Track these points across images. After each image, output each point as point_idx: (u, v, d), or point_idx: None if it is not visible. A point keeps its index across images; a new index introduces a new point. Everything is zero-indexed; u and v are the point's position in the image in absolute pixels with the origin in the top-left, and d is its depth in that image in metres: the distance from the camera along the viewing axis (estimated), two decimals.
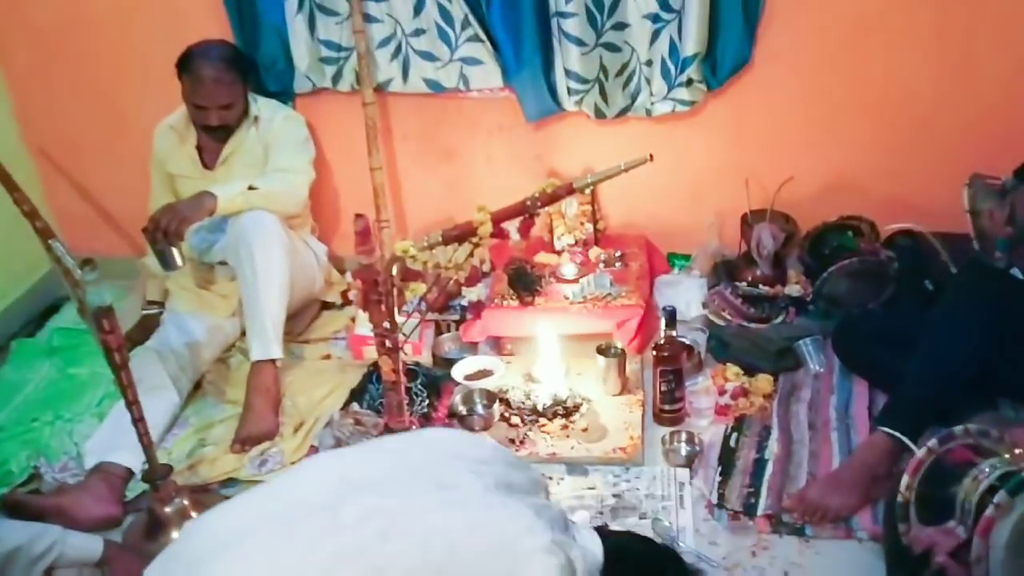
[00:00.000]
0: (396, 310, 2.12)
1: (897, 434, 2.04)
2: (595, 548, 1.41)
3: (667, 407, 2.41)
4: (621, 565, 1.41)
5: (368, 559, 1.23)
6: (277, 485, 1.46)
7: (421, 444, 1.52)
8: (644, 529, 2.00)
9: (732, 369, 2.55)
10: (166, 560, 1.35)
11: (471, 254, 2.02)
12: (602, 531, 1.48)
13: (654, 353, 2.40)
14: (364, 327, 2.58)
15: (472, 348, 2.73)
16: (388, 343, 2.16)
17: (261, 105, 2.79)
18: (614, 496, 2.18)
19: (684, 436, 2.33)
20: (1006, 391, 2.32)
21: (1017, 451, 1.60)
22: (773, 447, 2.32)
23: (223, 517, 1.38)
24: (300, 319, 2.92)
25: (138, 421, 2.07)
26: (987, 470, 1.54)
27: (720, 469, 2.25)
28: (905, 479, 1.69)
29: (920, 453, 1.68)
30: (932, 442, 1.67)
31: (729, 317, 2.73)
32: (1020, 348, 2.10)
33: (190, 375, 2.63)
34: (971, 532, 1.50)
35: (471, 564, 1.25)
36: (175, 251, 2.41)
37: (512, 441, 2.37)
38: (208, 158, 2.79)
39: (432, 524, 1.27)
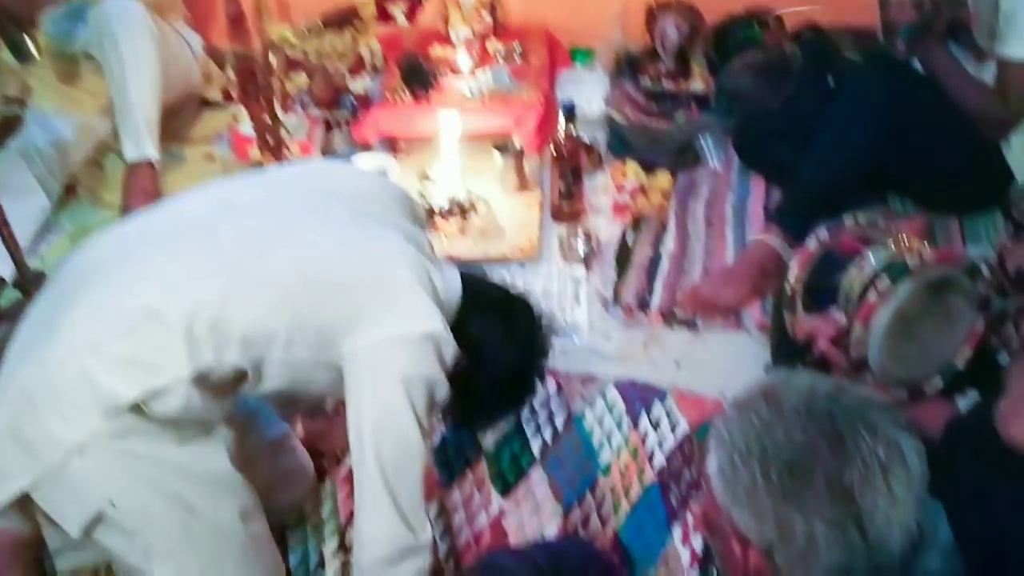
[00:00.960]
0: (278, 104, 1.98)
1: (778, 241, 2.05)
2: (455, 283, 1.46)
3: (565, 205, 2.37)
4: (475, 302, 1.47)
5: (244, 275, 1.28)
6: (160, 209, 1.46)
7: (303, 174, 1.55)
8: None
9: (631, 167, 2.51)
10: (52, 283, 1.37)
11: (355, 40, 1.87)
12: (465, 273, 1.52)
13: (553, 151, 2.33)
14: (247, 125, 2.43)
15: (364, 147, 2.60)
16: (270, 140, 2.03)
17: None
18: None
19: (581, 234, 2.31)
20: (896, 186, 2.34)
21: (903, 242, 1.62)
22: (669, 244, 2.32)
23: (107, 236, 1.40)
24: (178, 117, 2.72)
25: (2, 226, 1.93)
26: (871, 258, 1.55)
27: (616, 266, 2.26)
28: (794, 270, 1.71)
29: (810, 244, 1.68)
30: (822, 233, 1.68)
31: (630, 114, 2.65)
32: (914, 142, 2.10)
33: (59, 177, 2.47)
34: (852, 319, 1.53)
35: (342, 278, 1.31)
36: (28, 40, 2.18)
37: None
38: None
39: (306, 243, 1.33)
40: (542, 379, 1.72)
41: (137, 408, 1.26)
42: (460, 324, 1.43)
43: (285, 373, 1.34)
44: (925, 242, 1.62)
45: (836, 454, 0.83)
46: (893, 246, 1.60)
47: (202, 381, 1.28)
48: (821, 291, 1.68)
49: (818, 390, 0.87)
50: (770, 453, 0.84)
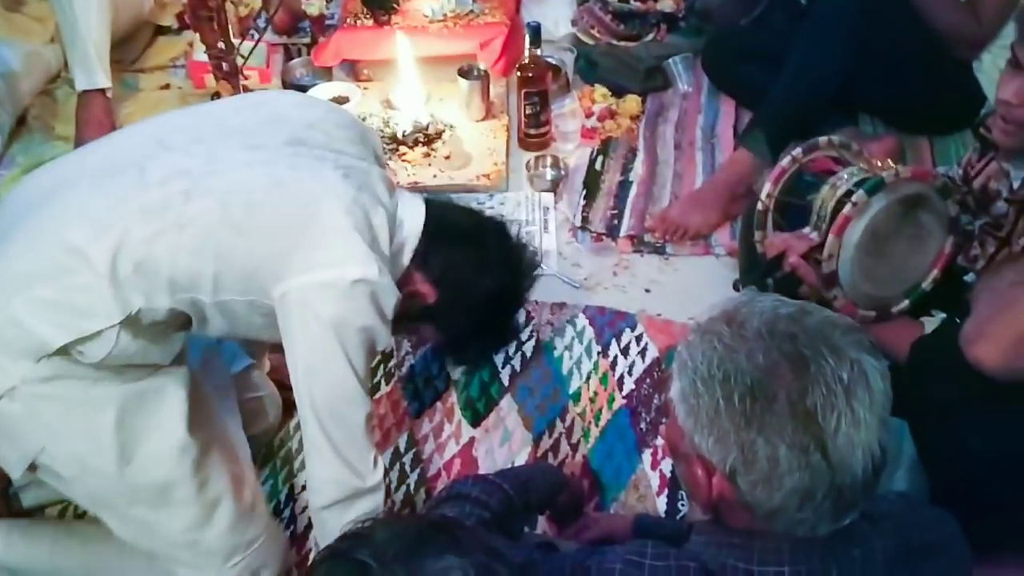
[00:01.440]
0: (231, 28, 1.91)
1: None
2: (415, 214, 1.39)
3: (532, 131, 2.32)
4: (440, 231, 1.40)
5: (169, 217, 1.23)
6: (98, 145, 1.44)
7: (248, 105, 1.48)
8: None
9: (600, 90, 2.47)
10: None
11: None
12: (431, 201, 1.45)
13: (519, 74, 2.28)
14: (203, 53, 2.33)
15: (326, 74, 2.53)
16: (226, 67, 1.96)
17: None
18: None
19: (549, 160, 2.28)
20: (867, 106, 2.32)
21: (875, 161, 1.60)
22: (638, 169, 2.29)
23: (44, 173, 1.38)
24: (131, 45, 2.63)
25: None
26: (845, 177, 1.53)
27: (584, 192, 2.23)
28: (767, 187, 1.68)
29: (784, 161, 1.66)
30: (796, 151, 1.65)
31: (598, 35, 2.60)
32: (885, 62, 2.07)
33: (9, 109, 2.38)
34: (824, 235, 1.52)
35: (268, 220, 1.25)
36: None
37: None
38: None
39: (233, 183, 1.26)
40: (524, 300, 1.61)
41: (69, 352, 1.23)
42: (426, 255, 1.38)
43: (223, 317, 1.30)
44: (898, 165, 1.60)
45: (799, 376, 0.81)
46: (865, 166, 1.58)
47: (135, 325, 1.25)
48: (793, 209, 1.66)
49: (781, 313, 0.85)
50: (732, 376, 0.82)
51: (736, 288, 1.69)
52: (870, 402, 0.82)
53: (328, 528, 1.38)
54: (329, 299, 1.24)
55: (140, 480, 1.32)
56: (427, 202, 1.44)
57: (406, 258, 1.38)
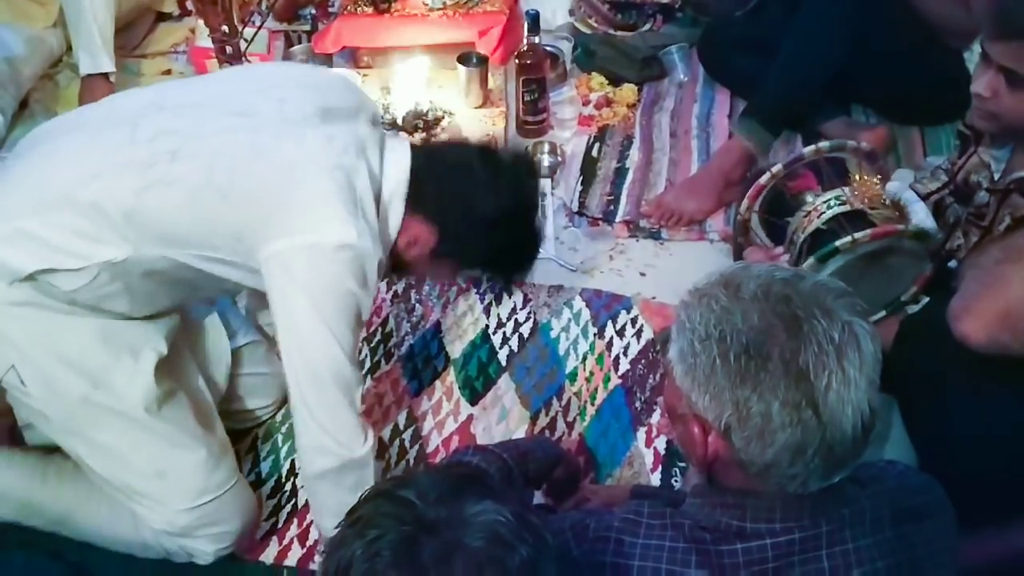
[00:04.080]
0: (234, 12, 1.94)
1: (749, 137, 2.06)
2: (401, 162, 1.41)
3: (530, 118, 2.35)
4: (427, 170, 1.42)
5: (155, 173, 1.27)
6: (102, 102, 1.49)
7: (244, 74, 1.53)
8: None
9: (597, 79, 2.50)
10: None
11: None
12: (417, 146, 1.46)
13: (517, 62, 2.31)
14: (205, 39, 2.36)
15: (326, 60, 2.55)
16: (228, 50, 1.99)
17: None
18: None
19: (547, 147, 2.31)
20: (860, 96, 2.35)
21: (864, 177, 1.62)
22: (634, 156, 2.32)
23: (50, 124, 1.46)
24: (133, 31, 2.66)
25: None
26: (820, 208, 1.56)
27: (581, 179, 2.26)
28: (745, 202, 1.71)
29: (762, 179, 1.68)
30: (776, 167, 1.67)
31: (596, 25, 2.63)
32: (878, 52, 2.10)
33: (12, 93, 2.40)
34: (794, 264, 1.56)
35: (251, 187, 1.28)
36: None
37: None
38: None
39: (219, 147, 1.29)
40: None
41: (46, 283, 1.28)
42: (419, 197, 1.40)
43: (213, 274, 1.34)
44: (879, 179, 1.62)
45: (792, 336, 0.84)
46: (848, 190, 1.59)
47: (120, 269, 1.30)
48: (771, 226, 1.70)
49: (776, 277, 0.89)
50: (728, 336, 0.86)
51: None
52: (860, 363, 0.86)
53: (319, 500, 1.42)
54: (309, 262, 1.27)
55: (107, 406, 1.36)
56: (413, 147, 1.45)
57: (398, 207, 1.40)
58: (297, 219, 1.27)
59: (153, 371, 1.39)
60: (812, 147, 1.68)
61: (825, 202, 1.59)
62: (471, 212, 1.43)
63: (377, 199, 1.36)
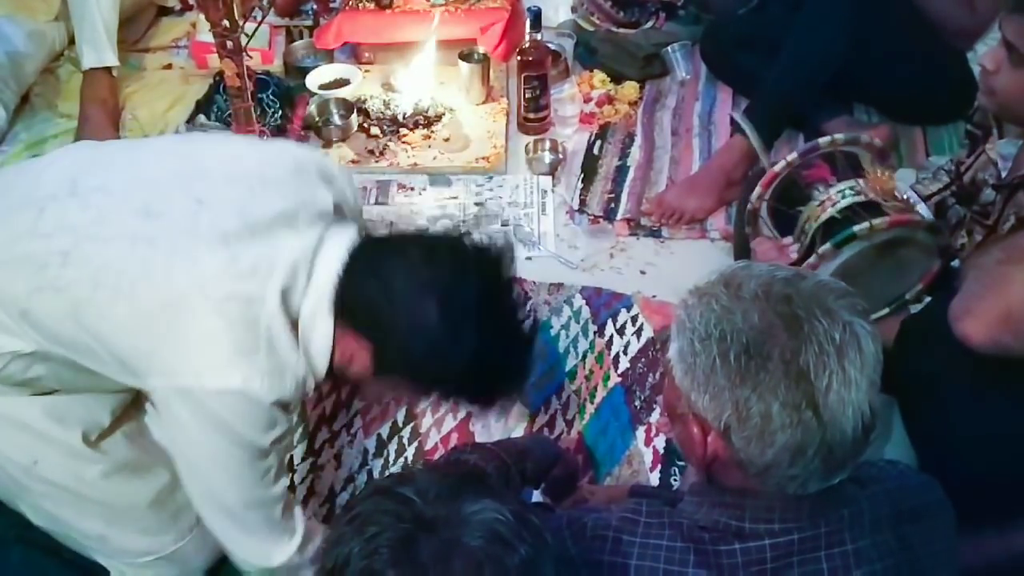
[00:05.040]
0: (235, 7, 1.93)
1: (750, 133, 2.06)
2: (329, 266, 1.22)
3: (531, 115, 2.35)
4: (364, 271, 1.21)
5: (47, 276, 1.17)
6: (27, 166, 1.42)
7: (182, 153, 1.34)
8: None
9: (598, 76, 2.49)
10: None
11: None
12: (367, 240, 1.25)
13: (519, 59, 2.30)
14: (206, 33, 2.36)
15: (327, 56, 2.55)
16: (229, 44, 1.98)
17: None
18: (476, 205, 2.18)
19: (548, 144, 2.30)
20: (861, 95, 2.35)
21: (878, 172, 1.62)
22: (636, 154, 2.32)
23: None
24: (135, 25, 2.65)
25: None
26: (835, 197, 1.55)
27: (582, 176, 2.26)
28: (757, 190, 1.71)
29: (777, 166, 1.68)
30: (792, 155, 1.67)
31: (598, 22, 2.62)
32: (881, 51, 2.10)
33: (14, 87, 2.39)
34: (803, 256, 1.55)
35: (130, 316, 1.16)
36: None
37: (372, 152, 2.29)
38: None
39: (109, 260, 1.17)
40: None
41: None
42: (345, 306, 1.21)
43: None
44: (893, 174, 1.62)
45: (792, 336, 0.84)
46: (862, 181, 1.59)
47: (33, 358, 1.23)
48: (782, 216, 1.70)
49: (777, 276, 0.88)
50: (728, 335, 0.85)
51: None
52: (861, 363, 0.85)
53: None
54: (193, 407, 1.17)
55: (47, 478, 1.32)
56: (357, 244, 1.24)
57: (323, 322, 1.21)
58: (176, 361, 1.16)
59: (92, 444, 1.34)
60: (828, 138, 1.69)
61: (840, 192, 1.60)
62: (415, 324, 1.17)
63: (297, 319, 1.21)
